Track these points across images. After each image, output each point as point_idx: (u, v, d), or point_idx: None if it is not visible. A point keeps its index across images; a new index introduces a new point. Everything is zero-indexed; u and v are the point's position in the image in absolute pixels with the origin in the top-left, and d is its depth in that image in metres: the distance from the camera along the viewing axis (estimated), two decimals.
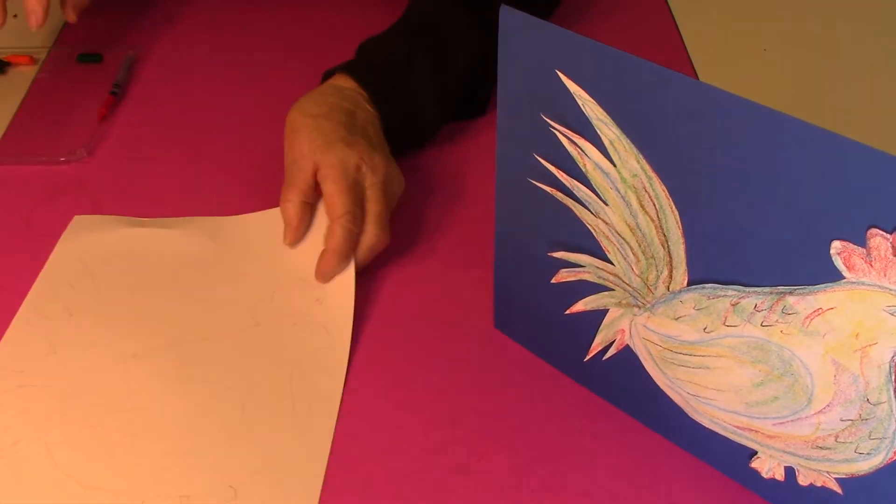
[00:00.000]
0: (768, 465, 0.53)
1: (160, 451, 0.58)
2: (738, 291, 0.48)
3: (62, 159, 0.80)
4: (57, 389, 0.61)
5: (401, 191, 0.72)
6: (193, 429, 0.59)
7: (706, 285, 0.49)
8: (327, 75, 0.76)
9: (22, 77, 0.89)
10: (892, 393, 0.45)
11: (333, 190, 0.66)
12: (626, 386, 0.58)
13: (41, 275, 0.69)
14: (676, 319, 0.51)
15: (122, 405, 0.60)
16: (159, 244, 0.71)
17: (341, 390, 0.62)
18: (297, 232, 0.68)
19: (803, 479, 0.52)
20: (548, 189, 0.53)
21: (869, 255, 0.42)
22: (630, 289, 0.53)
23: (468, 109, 0.82)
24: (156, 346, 0.64)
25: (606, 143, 0.48)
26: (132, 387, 0.61)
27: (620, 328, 0.55)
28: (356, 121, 0.71)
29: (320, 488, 0.56)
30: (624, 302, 0.54)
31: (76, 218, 0.74)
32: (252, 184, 0.77)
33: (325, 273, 0.67)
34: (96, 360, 0.63)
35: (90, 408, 0.60)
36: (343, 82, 0.74)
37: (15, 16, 0.86)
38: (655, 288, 0.52)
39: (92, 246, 0.71)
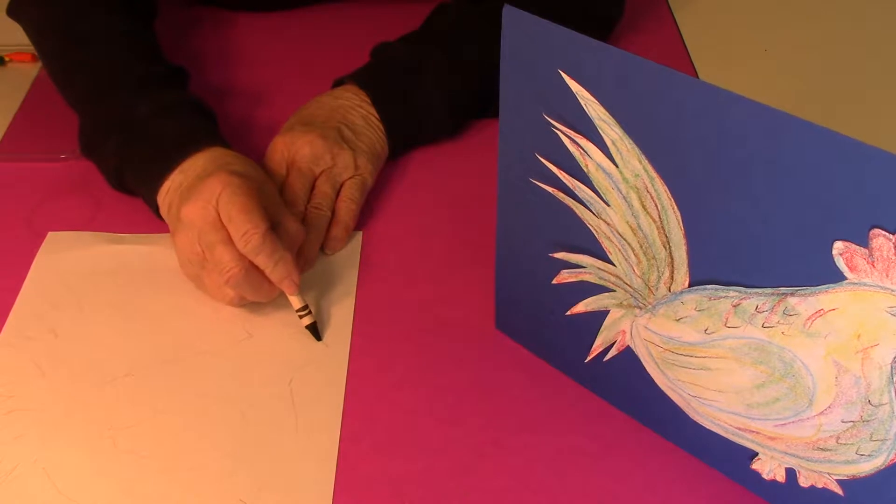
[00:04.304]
0: (769, 467, 0.53)
1: (163, 469, 0.57)
2: (740, 293, 0.48)
3: (63, 156, 0.80)
4: (50, 412, 0.60)
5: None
6: (195, 444, 0.59)
7: (707, 286, 0.49)
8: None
9: (24, 74, 0.89)
10: (893, 394, 0.45)
11: None
12: (627, 387, 0.58)
13: (20, 295, 0.68)
14: (677, 321, 0.51)
15: (120, 424, 0.60)
16: (141, 260, 0.70)
17: (343, 396, 0.61)
18: None
19: (804, 481, 0.52)
20: (549, 189, 0.53)
21: (871, 255, 0.41)
22: (631, 290, 0.53)
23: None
24: (149, 364, 0.63)
25: (608, 143, 0.48)
26: (129, 406, 0.61)
27: (621, 329, 0.55)
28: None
29: (332, 495, 0.56)
30: (625, 303, 0.54)
31: (50, 234, 0.72)
32: None
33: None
34: (88, 380, 0.62)
35: (87, 429, 0.60)
36: (346, 88, 0.78)
37: None
38: (657, 289, 0.51)
39: (71, 264, 0.70)
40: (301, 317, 0.65)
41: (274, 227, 0.63)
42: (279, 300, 0.66)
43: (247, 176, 0.64)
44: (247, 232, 0.60)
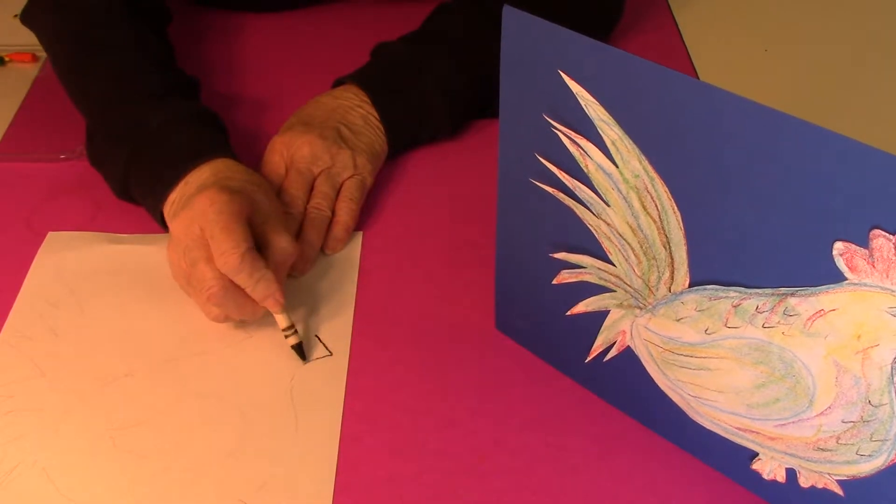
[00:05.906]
0: (769, 467, 0.53)
1: (162, 469, 0.57)
2: (740, 293, 0.48)
3: (62, 157, 0.80)
4: (50, 413, 0.60)
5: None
6: (195, 444, 0.59)
7: (708, 287, 0.49)
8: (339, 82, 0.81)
9: (23, 75, 0.89)
10: (893, 395, 0.45)
11: None
12: (628, 387, 0.58)
13: (20, 295, 0.68)
14: (678, 321, 0.51)
15: (120, 424, 0.60)
16: (141, 260, 0.70)
17: (343, 396, 0.61)
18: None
19: (804, 481, 0.52)
20: (549, 189, 0.53)
21: (871, 256, 0.41)
22: (631, 290, 0.53)
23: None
24: (148, 364, 0.63)
25: (608, 143, 0.48)
26: (128, 406, 0.61)
27: (622, 329, 0.55)
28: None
29: (332, 495, 0.56)
30: (625, 303, 0.54)
31: (50, 234, 0.72)
32: None
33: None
34: (88, 380, 0.62)
35: (86, 429, 0.59)
36: (346, 88, 0.78)
37: (15, 16, 0.86)
38: (657, 289, 0.51)
39: (71, 263, 0.70)
40: (287, 336, 0.64)
41: (266, 245, 0.63)
42: None
43: (240, 192, 0.63)
44: (225, 252, 0.60)
